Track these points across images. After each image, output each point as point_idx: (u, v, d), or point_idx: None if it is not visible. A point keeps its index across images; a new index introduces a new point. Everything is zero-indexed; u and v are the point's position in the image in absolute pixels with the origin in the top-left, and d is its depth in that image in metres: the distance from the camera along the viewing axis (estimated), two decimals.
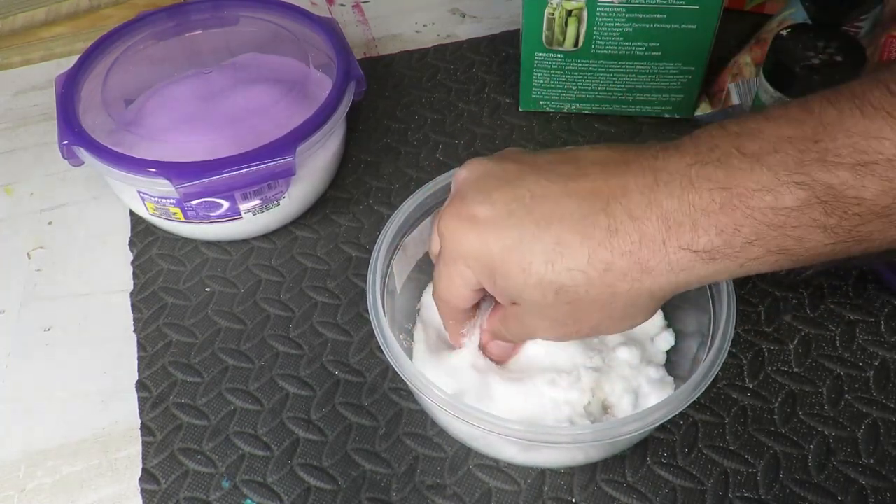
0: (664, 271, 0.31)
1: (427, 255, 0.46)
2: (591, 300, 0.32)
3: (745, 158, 0.29)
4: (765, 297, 0.49)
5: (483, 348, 0.41)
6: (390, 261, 0.43)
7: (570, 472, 0.42)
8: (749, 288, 0.49)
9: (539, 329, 0.36)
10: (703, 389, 0.36)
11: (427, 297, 0.47)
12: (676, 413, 0.36)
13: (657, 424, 0.36)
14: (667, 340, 0.43)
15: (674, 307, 0.43)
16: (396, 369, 0.37)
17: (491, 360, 0.41)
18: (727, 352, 0.37)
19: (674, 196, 0.30)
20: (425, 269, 0.47)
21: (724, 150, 0.30)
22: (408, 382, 0.37)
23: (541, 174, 0.34)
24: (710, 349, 0.38)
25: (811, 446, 0.42)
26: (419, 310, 0.47)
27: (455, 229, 0.34)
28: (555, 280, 0.32)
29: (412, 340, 0.45)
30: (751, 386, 0.45)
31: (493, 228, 0.33)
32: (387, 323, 0.39)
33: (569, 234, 0.32)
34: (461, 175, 0.36)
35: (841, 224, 0.28)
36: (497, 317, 0.39)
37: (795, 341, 0.47)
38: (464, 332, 0.41)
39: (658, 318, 0.44)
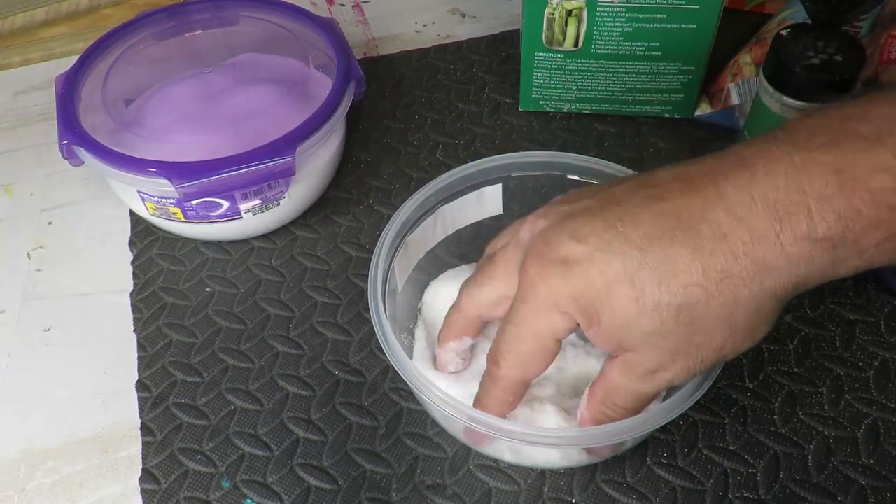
0: (784, 267, 0.29)
1: (428, 254, 0.47)
2: (712, 316, 0.30)
3: (859, 140, 0.28)
4: None
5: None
6: (391, 260, 0.43)
7: (570, 472, 0.42)
8: None
9: (657, 371, 0.32)
10: (703, 391, 0.36)
11: (428, 297, 0.47)
12: (677, 416, 0.36)
13: (657, 426, 0.36)
14: None
15: None
16: (397, 369, 0.37)
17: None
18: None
19: (779, 186, 0.28)
20: (426, 269, 0.47)
21: (830, 135, 0.28)
22: (408, 382, 0.37)
23: (623, 204, 0.32)
24: None
25: (811, 446, 0.42)
26: (420, 309, 0.47)
27: (545, 276, 0.32)
28: (672, 301, 0.30)
29: (413, 340, 0.45)
30: (751, 386, 0.45)
31: (591, 264, 0.31)
32: (388, 322, 0.39)
33: (676, 249, 0.30)
34: (538, 222, 0.34)
35: None
36: (599, 388, 0.34)
37: (795, 341, 0.47)
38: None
39: None
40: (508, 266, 0.36)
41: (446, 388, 0.37)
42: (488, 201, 0.47)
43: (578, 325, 0.33)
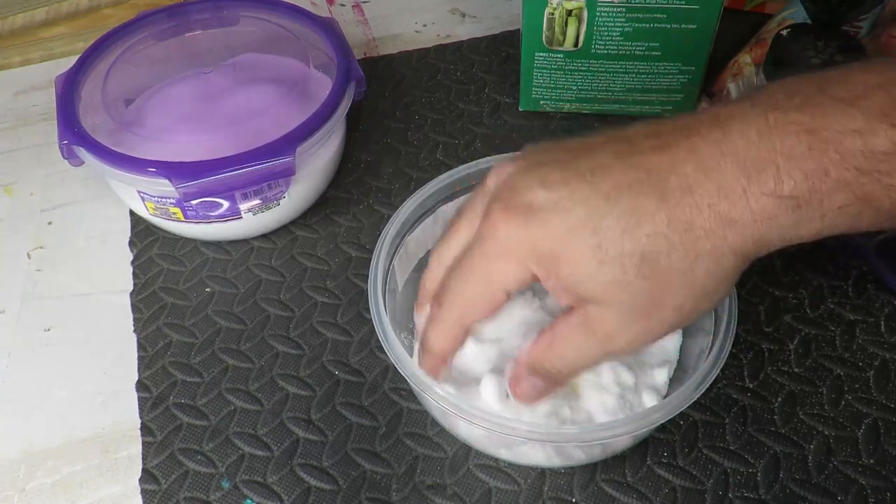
0: (747, 222, 0.29)
1: (429, 253, 0.47)
2: (673, 268, 0.30)
3: (835, 102, 0.28)
4: (765, 297, 0.49)
5: (513, 383, 0.36)
6: (392, 259, 0.43)
7: (570, 471, 0.42)
8: (749, 288, 0.49)
9: (613, 328, 0.32)
10: (703, 390, 0.36)
11: None
12: (675, 414, 0.36)
13: (656, 425, 0.36)
14: (666, 372, 0.43)
15: None
16: (397, 366, 0.37)
17: (518, 399, 0.37)
18: (724, 358, 0.37)
19: (752, 143, 0.28)
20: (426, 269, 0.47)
21: (807, 95, 0.28)
22: (408, 380, 0.37)
23: (595, 155, 0.31)
24: (709, 352, 0.38)
25: (811, 446, 0.42)
26: None
27: (506, 221, 0.31)
28: (634, 250, 0.29)
29: (413, 339, 0.45)
30: (751, 386, 0.45)
31: (556, 212, 0.30)
32: (388, 320, 0.39)
33: (643, 199, 0.29)
34: (506, 169, 0.34)
35: None
36: (547, 337, 0.34)
37: (795, 341, 0.47)
38: (447, 362, 0.38)
39: (672, 342, 0.44)
40: (473, 215, 0.35)
41: (446, 387, 0.37)
42: None
43: (533, 277, 0.32)
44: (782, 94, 0.29)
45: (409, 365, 0.37)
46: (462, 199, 0.46)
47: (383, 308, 0.39)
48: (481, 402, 0.38)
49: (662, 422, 0.36)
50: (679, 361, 0.43)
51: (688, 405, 0.36)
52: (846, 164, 0.27)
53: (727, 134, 0.29)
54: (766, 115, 0.29)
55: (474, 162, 0.45)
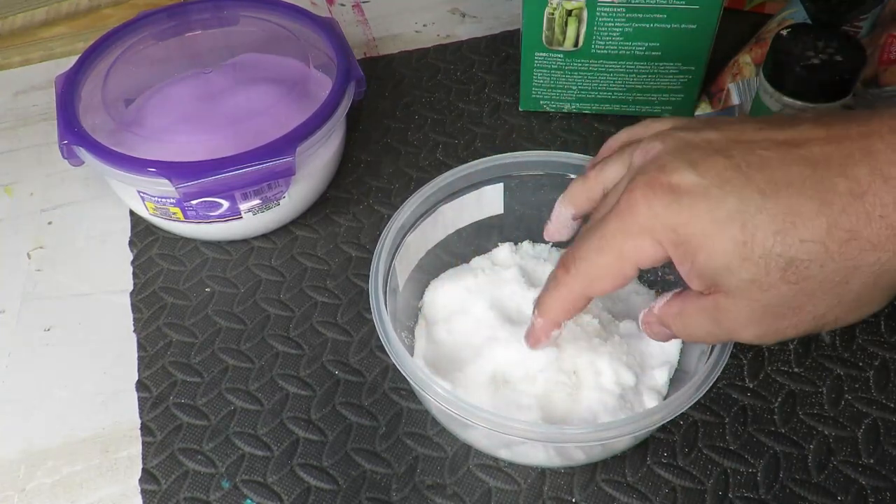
0: None
1: (429, 253, 0.47)
2: (823, 280, 0.27)
3: None
4: None
5: (644, 324, 0.36)
6: (392, 259, 0.43)
7: (570, 471, 0.42)
8: None
9: (742, 323, 0.30)
10: (704, 391, 0.36)
11: (428, 296, 0.47)
12: (676, 414, 0.36)
13: (656, 426, 0.36)
14: (667, 372, 0.43)
15: None
16: (397, 364, 0.37)
17: (648, 334, 0.36)
18: (725, 360, 0.37)
19: None
20: (427, 269, 0.47)
21: None
22: (409, 379, 0.37)
23: (752, 144, 0.29)
24: (710, 354, 0.38)
25: (811, 446, 0.42)
26: (421, 308, 0.47)
27: (649, 198, 0.30)
28: (784, 253, 0.27)
29: (413, 338, 0.45)
30: (751, 386, 0.45)
31: (704, 198, 0.29)
32: (388, 319, 0.39)
33: (803, 200, 0.27)
34: (655, 146, 0.32)
35: None
36: (678, 304, 0.33)
37: (795, 341, 0.47)
38: (557, 332, 0.37)
39: (673, 344, 0.44)
40: (619, 175, 0.34)
41: (446, 387, 0.37)
42: (488, 201, 0.47)
43: (666, 258, 0.31)
44: None
45: (409, 363, 0.37)
46: (462, 198, 0.46)
47: (384, 307, 0.39)
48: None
49: (663, 422, 0.36)
50: (679, 362, 0.43)
51: (688, 406, 0.36)
52: None
53: None
54: None
55: (474, 162, 0.45)
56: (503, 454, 0.41)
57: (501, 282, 0.46)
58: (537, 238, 0.48)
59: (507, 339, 0.42)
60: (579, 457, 0.41)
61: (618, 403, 0.40)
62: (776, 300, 0.28)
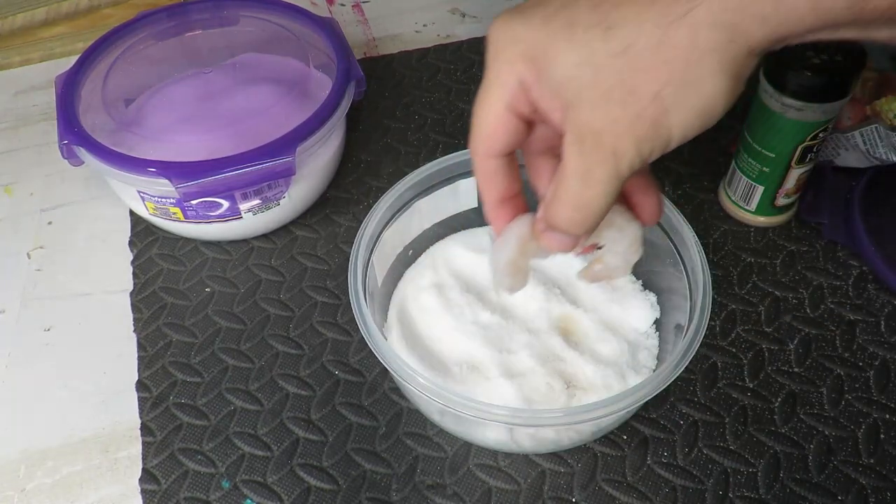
0: (735, 9, 0.26)
1: (405, 249, 0.48)
2: (644, 44, 0.27)
3: None
4: (765, 297, 0.49)
5: (538, 237, 0.34)
6: (370, 255, 0.43)
7: (571, 471, 0.42)
8: (749, 288, 0.49)
9: (599, 131, 0.29)
10: (681, 370, 0.37)
11: (403, 286, 0.48)
12: (655, 393, 0.36)
13: (639, 404, 0.37)
14: (647, 353, 0.44)
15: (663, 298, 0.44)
16: (380, 359, 0.38)
17: (549, 249, 0.34)
18: (703, 332, 0.38)
19: None
20: (406, 264, 0.48)
21: None
22: (396, 376, 0.38)
23: None
24: (686, 329, 0.39)
25: (811, 446, 0.42)
26: (393, 293, 0.48)
27: (500, 26, 0.32)
28: (602, 21, 0.28)
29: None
30: (751, 386, 0.45)
31: (538, 5, 0.30)
32: (368, 312, 0.39)
33: None
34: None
35: None
36: (552, 185, 0.32)
37: (795, 341, 0.47)
38: (503, 214, 0.35)
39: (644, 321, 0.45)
40: None
41: (417, 366, 0.37)
42: (464, 194, 0.47)
43: (524, 88, 0.31)
44: None
45: (390, 353, 0.37)
46: (438, 192, 0.46)
47: (364, 301, 0.39)
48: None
49: (648, 398, 0.36)
50: (661, 342, 0.45)
51: (671, 381, 0.36)
52: None
53: None
54: None
55: (449, 156, 0.45)
56: (527, 445, 0.41)
57: (477, 268, 0.47)
58: None
59: (487, 323, 0.43)
60: (571, 437, 0.41)
61: (606, 381, 0.41)
62: (611, 81, 0.28)
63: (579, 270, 0.38)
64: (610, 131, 0.29)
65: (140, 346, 0.48)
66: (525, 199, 0.36)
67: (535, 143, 0.35)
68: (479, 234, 0.49)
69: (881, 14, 0.25)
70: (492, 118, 0.32)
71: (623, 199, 0.35)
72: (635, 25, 0.27)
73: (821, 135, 0.46)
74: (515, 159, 0.34)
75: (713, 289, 0.43)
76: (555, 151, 0.34)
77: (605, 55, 0.28)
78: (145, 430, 0.45)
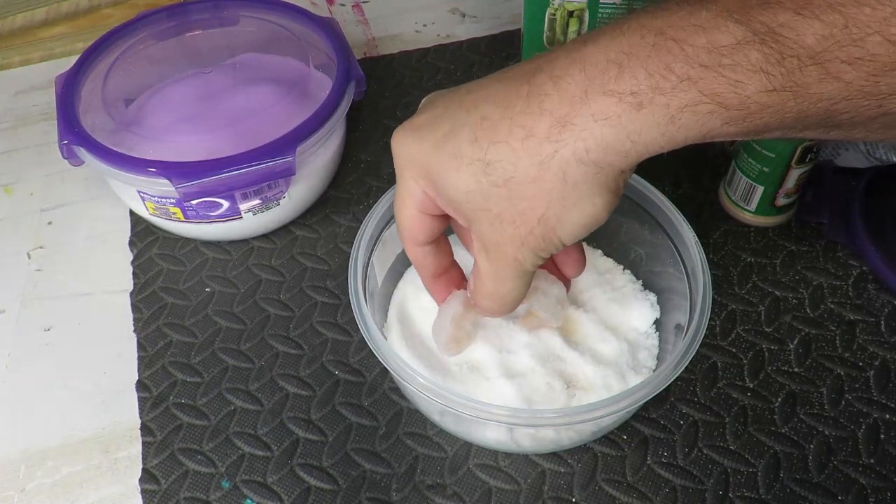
0: (586, 124, 0.28)
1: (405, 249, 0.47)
2: (522, 178, 0.30)
3: (685, 4, 0.28)
4: (765, 297, 0.49)
5: (475, 308, 0.38)
6: (370, 255, 0.43)
7: (571, 471, 0.42)
8: (749, 288, 0.49)
9: (495, 242, 0.32)
10: (681, 370, 0.37)
11: (402, 285, 0.48)
12: (660, 390, 0.36)
13: (639, 404, 0.37)
14: (647, 353, 0.44)
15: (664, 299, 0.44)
16: (380, 359, 0.37)
17: (486, 316, 0.39)
18: (703, 332, 0.38)
19: (600, 47, 0.29)
20: (406, 264, 0.48)
21: (664, 4, 0.29)
22: (396, 376, 0.38)
23: (482, 79, 0.33)
24: (686, 329, 0.39)
25: (811, 446, 0.42)
26: (393, 293, 0.48)
27: (398, 141, 0.34)
28: (482, 157, 0.30)
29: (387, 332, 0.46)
30: (751, 386, 0.45)
31: (428, 127, 0.32)
32: (368, 312, 0.39)
33: (492, 108, 0.31)
34: (420, 106, 0.36)
35: (777, 68, 0.26)
36: (472, 277, 0.36)
37: (795, 341, 0.47)
38: (439, 287, 0.39)
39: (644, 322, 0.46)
40: None
41: (417, 366, 0.37)
42: None
43: (430, 199, 0.33)
44: (647, 8, 0.29)
45: (390, 353, 0.38)
46: None
47: (364, 301, 0.39)
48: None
49: (647, 398, 0.36)
50: (661, 342, 0.45)
51: (671, 381, 0.36)
52: (690, 61, 0.27)
53: (585, 45, 0.29)
54: (622, 24, 0.29)
55: None
56: (527, 445, 0.41)
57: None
58: None
59: (487, 323, 0.43)
60: (571, 437, 0.41)
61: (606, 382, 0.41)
62: (501, 207, 0.31)
63: (521, 318, 0.43)
64: (508, 244, 0.32)
65: (140, 346, 0.48)
66: (459, 268, 0.40)
67: (458, 223, 0.37)
68: None
69: (714, 135, 0.28)
70: (409, 220, 0.35)
71: (547, 261, 0.37)
72: (510, 163, 0.30)
73: None
74: (443, 238, 0.38)
75: (713, 289, 0.43)
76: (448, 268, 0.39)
77: (490, 185, 0.31)
78: (145, 430, 0.45)
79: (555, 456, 0.42)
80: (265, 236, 0.54)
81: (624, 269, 0.48)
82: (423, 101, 0.36)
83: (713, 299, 0.43)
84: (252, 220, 0.51)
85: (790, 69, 0.26)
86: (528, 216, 0.31)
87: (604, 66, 0.28)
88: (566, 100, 0.29)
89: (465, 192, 0.31)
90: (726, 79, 0.27)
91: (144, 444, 0.44)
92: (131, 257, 0.54)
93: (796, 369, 0.45)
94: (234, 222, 0.51)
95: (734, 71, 0.26)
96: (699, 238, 0.42)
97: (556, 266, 0.41)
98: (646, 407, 0.44)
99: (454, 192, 0.32)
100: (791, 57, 0.26)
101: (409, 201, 0.34)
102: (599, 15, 0.53)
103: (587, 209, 0.30)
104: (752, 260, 0.51)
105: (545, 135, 0.29)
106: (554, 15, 0.54)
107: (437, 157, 0.32)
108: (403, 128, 0.34)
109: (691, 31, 0.27)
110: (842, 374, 0.45)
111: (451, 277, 0.39)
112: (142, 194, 0.49)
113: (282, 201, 0.51)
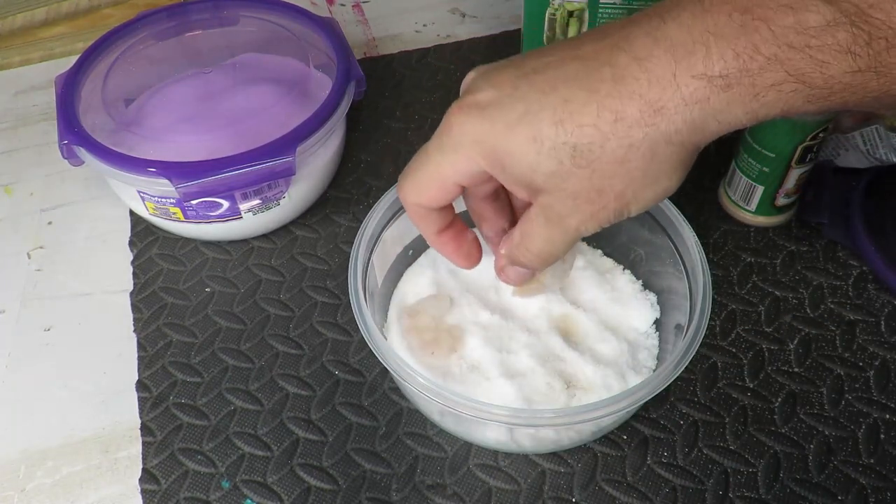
0: (678, 108, 0.29)
1: (405, 249, 0.47)
2: (608, 159, 0.30)
3: None
4: (765, 297, 0.49)
5: (499, 271, 0.39)
6: (370, 255, 0.43)
7: (571, 471, 0.42)
8: (749, 288, 0.49)
9: (565, 215, 0.32)
10: (681, 370, 0.37)
11: (403, 286, 0.48)
12: (660, 390, 0.36)
13: (639, 404, 0.37)
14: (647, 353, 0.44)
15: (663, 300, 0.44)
16: (381, 359, 0.37)
17: (508, 283, 0.39)
18: (702, 333, 0.38)
19: (684, 26, 0.28)
20: (406, 264, 0.48)
21: None
22: (396, 376, 0.38)
23: (544, 56, 0.32)
24: (686, 329, 0.39)
25: (811, 446, 0.42)
26: (393, 293, 0.48)
27: (459, 117, 0.33)
28: (568, 140, 0.30)
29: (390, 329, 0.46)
30: (751, 386, 0.45)
31: (498, 108, 0.32)
32: (368, 312, 0.39)
33: (574, 91, 0.30)
34: (468, 78, 0.35)
35: (865, 49, 0.26)
36: (517, 232, 0.36)
37: (795, 341, 0.47)
38: (444, 240, 0.38)
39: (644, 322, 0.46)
40: None
41: (417, 366, 0.37)
42: None
43: (485, 173, 0.33)
44: None
45: (390, 353, 0.38)
46: None
47: (363, 301, 0.39)
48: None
49: (648, 398, 0.36)
50: (661, 342, 0.45)
51: (671, 381, 0.36)
52: (777, 41, 0.27)
53: (663, 21, 0.29)
54: (703, 1, 0.29)
55: None
56: (527, 445, 0.41)
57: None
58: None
59: (487, 323, 0.44)
60: (571, 437, 0.41)
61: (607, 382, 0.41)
62: (579, 186, 0.31)
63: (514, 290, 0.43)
64: (575, 216, 0.32)
65: (140, 346, 0.48)
66: (459, 219, 0.39)
67: (477, 192, 0.38)
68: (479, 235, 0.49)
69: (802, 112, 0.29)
70: (435, 187, 0.35)
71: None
72: (598, 146, 0.30)
73: (821, 135, 0.46)
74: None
75: (713, 289, 0.43)
76: (497, 197, 0.39)
77: (573, 167, 0.31)
78: (145, 430, 0.45)
79: (555, 456, 0.42)
80: (265, 236, 0.54)
81: (624, 269, 0.48)
82: (474, 76, 0.35)
83: (713, 299, 0.43)
84: (252, 220, 0.51)
85: (877, 50, 0.26)
86: (605, 194, 0.31)
87: (690, 48, 0.28)
88: (655, 83, 0.29)
89: (543, 174, 0.31)
90: (813, 59, 0.27)
91: (144, 444, 0.44)
92: (131, 257, 0.54)
93: (796, 369, 0.45)
94: (234, 222, 0.51)
95: (821, 52, 0.27)
96: (699, 238, 0.42)
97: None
98: (646, 407, 0.44)
99: (529, 174, 0.32)
100: (879, 38, 0.26)
101: (449, 173, 0.34)
102: (599, 15, 0.53)
103: (664, 185, 0.32)
104: (752, 260, 0.51)
105: (636, 118, 0.29)
106: (554, 15, 0.54)
107: (511, 140, 0.31)
108: (464, 106, 0.33)
109: (779, 11, 0.27)
110: (842, 374, 0.45)
111: (456, 230, 0.39)
112: (142, 194, 0.49)
113: (282, 201, 0.51)
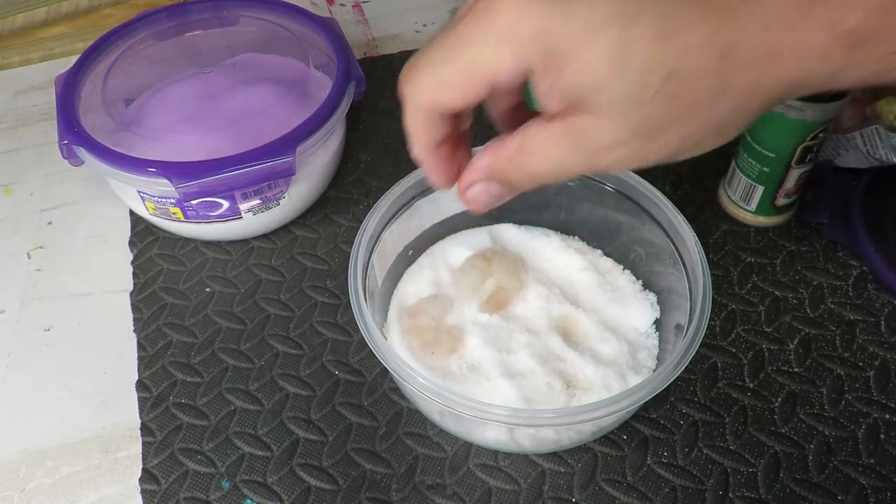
0: (796, 58, 0.24)
1: (405, 249, 0.47)
2: (696, 97, 0.25)
3: None
4: (765, 297, 0.49)
5: (464, 185, 0.32)
6: (370, 255, 0.43)
7: (571, 471, 0.42)
8: (749, 288, 0.49)
9: (605, 145, 0.27)
10: (681, 370, 0.37)
11: (402, 285, 0.48)
12: (660, 390, 0.36)
13: (639, 404, 0.37)
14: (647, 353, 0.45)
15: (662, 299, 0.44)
16: (381, 359, 0.37)
17: (466, 203, 0.33)
18: (702, 332, 0.38)
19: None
20: (406, 262, 0.48)
21: None
22: (396, 376, 0.38)
23: None
24: (686, 329, 0.39)
25: (811, 446, 0.42)
26: (393, 293, 0.48)
27: (515, 6, 0.26)
28: (666, 61, 0.24)
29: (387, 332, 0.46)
30: (751, 386, 0.45)
31: (585, 12, 0.25)
32: (368, 312, 0.39)
33: (684, 7, 0.24)
34: None
35: None
36: (516, 141, 0.30)
37: (795, 341, 0.47)
38: (438, 156, 0.32)
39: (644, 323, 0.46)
40: None
41: (417, 366, 0.37)
42: None
43: (525, 73, 0.27)
44: None
45: (390, 353, 0.38)
46: (438, 192, 0.46)
47: (363, 301, 0.39)
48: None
49: (647, 398, 0.36)
50: (661, 342, 0.45)
51: (671, 381, 0.36)
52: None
53: None
54: None
55: None
56: (527, 445, 0.41)
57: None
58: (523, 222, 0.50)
59: (487, 323, 0.44)
60: (571, 437, 0.41)
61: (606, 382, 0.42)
62: (647, 119, 0.26)
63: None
64: (617, 152, 0.27)
65: (140, 346, 0.48)
66: (469, 135, 0.32)
67: (496, 103, 0.32)
68: (479, 234, 0.49)
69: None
70: (465, 84, 0.28)
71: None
72: (698, 79, 0.25)
73: (821, 135, 0.46)
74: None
75: (713, 289, 0.43)
76: (513, 116, 0.32)
77: (656, 95, 0.25)
78: (145, 430, 0.45)
79: (555, 456, 0.42)
80: (265, 236, 0.54)
81: (624, 269, 0.48)
82: None
83: (713, 299, 0.43)
84: (252, 220, 0.51)
85: None
86: (670, 134, 0.26)
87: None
88: (777, 23, 0.24)
89: (613, 94, 0.25)
90: None
91: (144, 444, 0.44)
92: (131, 257, 0.54)
93: (796, 369, 0.45)
94: (234, 222, 0.51)
95: None
96: (699, 238, 0.42)
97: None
98: (646, 407, 0.44)
99: (592, 90, 0.25)
100: None
101: (487, 69, 0.27)
102: None
103: (730, 135, 0.27)
104: (752, 260, 0.51)
105: (750, 57, 0.25)
106: None
107: (590, 44, 0.25)
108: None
109: None
110: (842, 374, 0.45)
111: (452, 145, 0.33)
112: (142, 194, 0.49)
113: (282, 201, 0.51)
